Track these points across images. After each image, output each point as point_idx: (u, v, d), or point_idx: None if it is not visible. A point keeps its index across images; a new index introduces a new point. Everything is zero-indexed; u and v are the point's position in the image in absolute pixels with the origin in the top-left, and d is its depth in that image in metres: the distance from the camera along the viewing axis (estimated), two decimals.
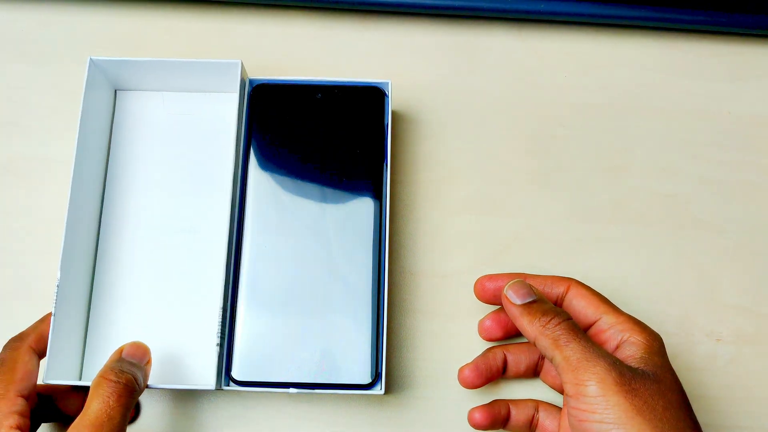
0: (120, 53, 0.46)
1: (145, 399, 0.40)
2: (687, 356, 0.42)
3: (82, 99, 0.40)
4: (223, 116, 0.44)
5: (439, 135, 0.45)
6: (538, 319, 0.34)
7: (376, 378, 0.37)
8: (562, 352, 0.32)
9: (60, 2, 0.48)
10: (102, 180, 0.43)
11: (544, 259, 0.43)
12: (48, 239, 0.42)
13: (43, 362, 0.37)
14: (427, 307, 0.42)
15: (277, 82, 0.42)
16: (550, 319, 0.34)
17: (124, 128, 0.44)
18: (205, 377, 0.39)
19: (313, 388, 0.37)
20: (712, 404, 0.41)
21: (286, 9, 0.48)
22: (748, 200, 0.44)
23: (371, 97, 0.42)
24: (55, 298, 0.37)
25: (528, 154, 0.45)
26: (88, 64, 0.41)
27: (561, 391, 0.38)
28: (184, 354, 0.40)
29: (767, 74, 0.47)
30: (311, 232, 0.39)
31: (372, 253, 0.39)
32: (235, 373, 0.37)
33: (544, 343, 0.33)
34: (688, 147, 0.45)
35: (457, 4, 0.46)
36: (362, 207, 0.40)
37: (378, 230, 0.39)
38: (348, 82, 0.42)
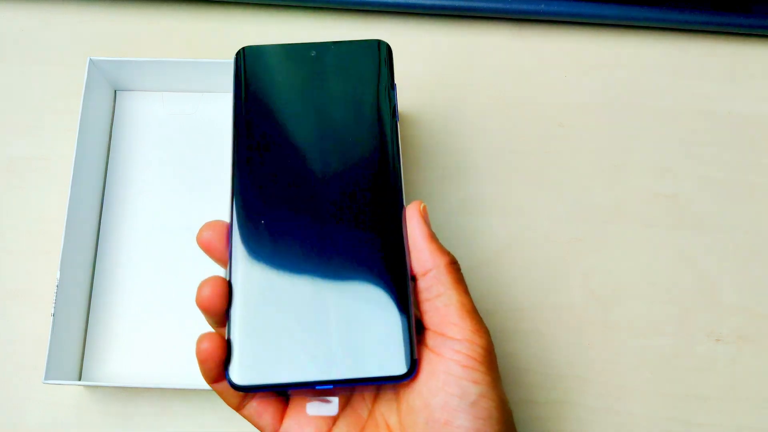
0: (120, 53, 0.46)
1: (144, 399, 0.40)
2: (687, 356, 0.42)
3: (81, 99, 0.40)
4: (223, 116, 0.44)
5: (439, 135, 0.45)
6: (446, 252, 0.30)
7: (412, 367, 0.29)
8: (461, 296, 0.29)
9: (60, 2, 0.48)
10: (102, 180, 0.43)
11: (544, 259, 0.43)
12: (48, 239, 0.42)
13: (42, 363, 0.37)
14: None
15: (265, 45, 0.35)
16: (454, 259, 0.31)
17: (123, 128, 0.44)
18: None
19: (336, 386, 0.29)
20: (712, 404, 0.41)
21: (286, 9, 0.48)
22: (748, 200, 0.44)
23: (373, 52, 0.35)
24: (54, 298, 0.37)
25: (528, 154, 0.45)
26: (87, 65, 0.41)
27: None
28: (183, 354, 0.40)
29: (767, 74, 0.47)
30: (315, 198, 0.32)
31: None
32: (236, 377, 0.29)
33: (444, 279, 0.29)
34: (688, 147, 0.45)
35: (457, 4, 0.46)
36: (374, 174, 0.33)
37: (392, 197, 0.32)
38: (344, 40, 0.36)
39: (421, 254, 0.30)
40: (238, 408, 0.31)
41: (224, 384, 0.29)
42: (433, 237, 0.30)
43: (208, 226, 0.30)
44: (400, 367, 0.29)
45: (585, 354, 0.41)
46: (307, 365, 0.29)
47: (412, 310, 0.30)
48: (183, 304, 0.41)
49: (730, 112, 0.46)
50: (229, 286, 0.30)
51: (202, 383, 0.39)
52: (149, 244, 0.42)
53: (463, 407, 0.27)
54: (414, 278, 0.30)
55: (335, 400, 0.30)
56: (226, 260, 0.30)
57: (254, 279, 0.30)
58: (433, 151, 0.45)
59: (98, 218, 0.42)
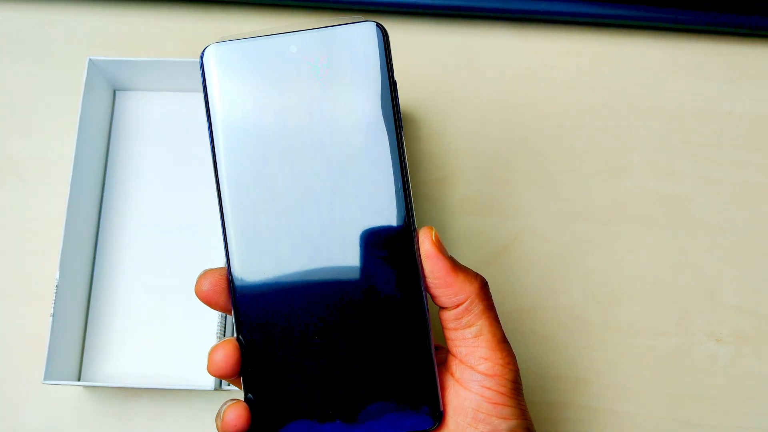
0: (119, 53, 0.46)
1: (143, 400, 0.40)
2: (687, 356, 0.41)
3: (81, 99, 0.40)
4: None
5: (439, 135, 0.45)
6: (474, 277, 0.29)
7: (439, 418, 0.28)
8: (492, 326, 0.28)
9: (59, 2, 0.48)
10: (101, 180, 0.43)
11: (544, 259, 0.43)
12: (47, 239, 0.42)
13: (42, 363, 0.36)
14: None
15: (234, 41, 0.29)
16: (484, 282, 0.29)
17: (123, 128, 0.44)
18: (204, 378, 0.39)
19: None
20: (712, 404, 0.41)
21: (286, 9, 0.48)
22: (748, 200, 0.44)
23: (367, 41, 0.29)
24: (54, 298, 0.37)
25: (528, 154, 0.45)
26: (87, 65, 0.41)
27: None
28: (183, 354, 0.40)
29: (767, 74, 0.47)
30: (319, 237, 0.29)
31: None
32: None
33: (475, 308, 0.28)
34: (688, 147, 0.45)
35: (457, 4, 0.46)
36: (377, 178, 0.29)
37: (403, 225, 0.29)
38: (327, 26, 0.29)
39: (449, 289, 0.28)
40: None
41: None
42: (456, 266, 0.28)
43: (206, 276, 0.29)
44: (426, 421, 0.28)
45: (585, 355, 0.41)
46: (328, 426, 0.28)
47: (433, 352, 0.28)
48: (183, 305, 0.41)
49: (730, 112, 0.46)
50: (239, 343, 0.28)
51: (202, 384, 0.39)
52: (149, 245, 0.42)
53: None
54: (439, 307, 0.29)
55: None
56: (230, 309, 0.29)
57: (263, 335, 0.28)
58: (432, 152, 0.45)
59: (97, 218, 0.42)
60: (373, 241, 0.28)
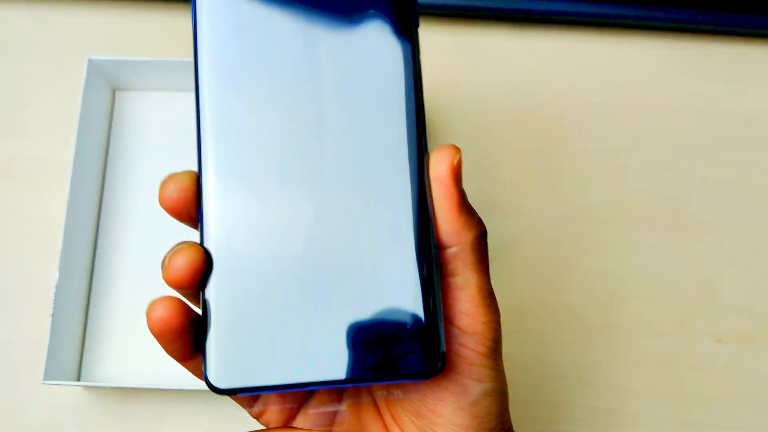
0: (119, 53, 0.46)
1: (143, 400, 0.40)
2: (687, 357, 0.41)
3: (80, 99, 0.40)
4: None
5: (439, 135, 0.45)
6: (475, 224, 0.25)
7: (442, 363, 0.23)
8: (480, 279, 0.25)
9: (59, 2, 0.48)
10: (101, 180, 0.43)
11: (545, 259, 0.43)
12: (47, 239, 0.42)
13: (41, 363, 0.36)
14: None
15: None
16: (483, 230, 0.25)
17: (123, 128, 0.44)
18: None
19: (343, 385, 0.23)
20: (713, 405, 0.41)
21: None
22: (749, 200, 0.44)
23: None
24: (54, 298, 0.37)
25: (528, 154, 0.45)
26: (86, 65, 0.41)
27: None
28: None
29: (767, 74, 0.47)
30: (309, 141, 0.24)
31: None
32: (215, 377, 0.23)
33: (466, 257, 0.24)
34: (688, 147, 0.45)
35: (457, 4, 0.46)
36: (386, 104, 0.25)
37: (413, 139, 0.24)
38: None
39: (446, 226, 0.24)
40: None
41: (195, 362, 0.24)
42: (464, 205, 0.24)
43: (172, 179, 0.24)
44: (425, 363, 0.23)
45: (585, 354, 0.41)
46: (307, 361, 0.23)
47: (439, 288, 0.24)
48: None
49: (730, 112, 0.46)
50: (206, 256, 0.23)
51: (201, 384, 0.39)
52: (148, 245, 0.42)
53: (462, 405, 0.24)
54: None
55: (344, 409, 0.26)
56: (196, 222, 0.25)
57: (235, 249, 0.23)
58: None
59: (97, 219, 0.42)
60: (373, 146, 0.24)
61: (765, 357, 0.42)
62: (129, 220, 0.42)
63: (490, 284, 0.25)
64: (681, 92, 0.47)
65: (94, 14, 0.48)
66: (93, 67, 0.41)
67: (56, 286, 0.37)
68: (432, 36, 0.47)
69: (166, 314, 0.23)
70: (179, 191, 0.24)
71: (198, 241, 0.24)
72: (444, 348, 0.23)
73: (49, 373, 0.36)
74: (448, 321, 0.24)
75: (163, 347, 0.24)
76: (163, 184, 0.24)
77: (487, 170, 0.45)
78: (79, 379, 0.40)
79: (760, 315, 0.42)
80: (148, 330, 0.40)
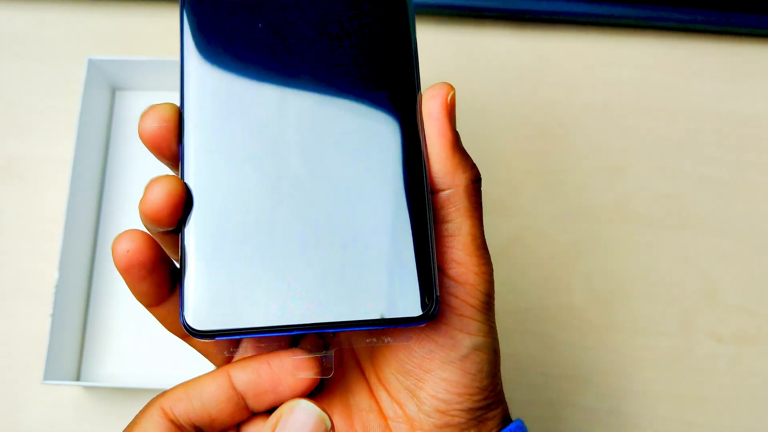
0: (119, 53, 0.46)
1: (142, 400, 0.40)
2: (687, 357, 0.41)
3: (80, 99, 0.40)
4: None
5: None
6: (470, 167, 0.24)
7: (434, 307, 0.22)
8: (473, 227, 0.23)
9: (59, 2, 0.48)
10: (100, 180, 0.43)
11: (545, 260, 0.43)
12: (46, 239, 0.42)
13: (41, 363, 0.36)
14: None
15: None
16: (477, 175, 0.24)
17: (122, 128, 0.44)
18: None
19: (330, 330, 0.22)
20: (713, 405, 0.41)
21: None
22: (749, 200, 0.44)
23: None
24: (53, 298, 0.37)
25: (528, 154, 0.45)
26: (86, 64, 0.41)
27: None
28: (182, 354, 0.40)
29: (767, 74, 0.47)
30: (295, 79, 0.23)
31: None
32: (192, 319, 0.21)
33: (459, 202, 0.23)
34: (688, 147, 0.45)
35: (457, 4, 0.46)
36: (375, 37, 0.24)
37: (403, 74, 0.24)
38: None
39: (439, 167, 0.23)
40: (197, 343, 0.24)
41: (168, 309, 0.23)
42: (458, 145, 0.23)
43: (153, 110, 0.22)
44: (417, 308, 0.21)
45: (585, 354, 0.41)
46: (292, 304, 0.21)
47: (432, 230, 0.22)
48: None
49: (730, 112, 0.46)
50: (186, 191, 0.22)
51: None
52: None
53: (451, 359, 0.23)
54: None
55: (330, 355, 0.24)
56: (177, 160, 0.23)
57: (217, 186, 0.22)
58: None
59: (97, 218, 0.42)
60: (362, 78, 0.23)
61: (765, 357, 0.42)
62: (129, 219, 0.42)
63: (483, 234, 0.24)
64: (681, 92, 0.47)
65: (94, 14, 0.48)
66: (93, 66, 0.41)
67: (56, 286, 0.37)
68: (432, 36, 0.47)
69: (133, 246, 0.21)
70: (160, 122, 0.22)
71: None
72: (438, 293, 0.22)
73: (49, 373, 0.36)
74: (440, 271, 0.23)
75: (130, 288, 0.23)
76: (143, 116, 0.22)
77: (487, 170, 0.45)
78: (78, 379, 0.40)
79: (760, 315, 0.42)
80: (148, 330, 0.40)
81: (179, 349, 0.40)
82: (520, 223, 0.43)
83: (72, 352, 0.39)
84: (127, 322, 0.41)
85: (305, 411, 0.21)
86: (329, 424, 0.21)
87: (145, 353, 0.40)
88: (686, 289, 0.43)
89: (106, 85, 0.44)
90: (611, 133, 0.46)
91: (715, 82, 0.47)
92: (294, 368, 0.23)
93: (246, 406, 0.23)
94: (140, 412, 0.23)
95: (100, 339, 0.40)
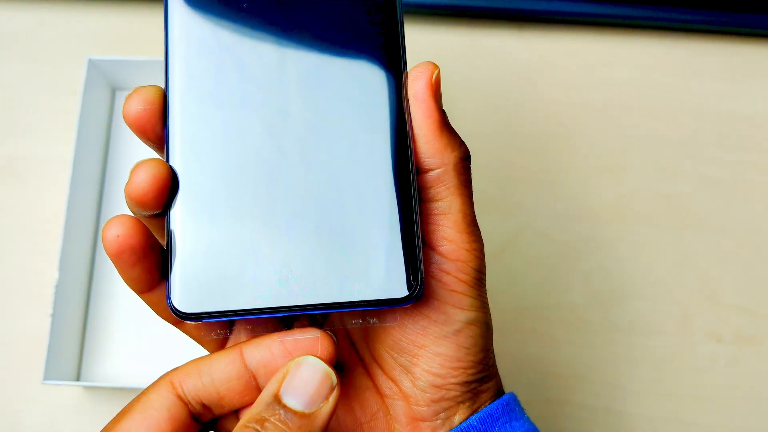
0: (119, 53, 0.46)
1: None
2: (687, 356, 0.41)
3: (80, 99, 0.40)
4: None
5: None
6: (458, 144, 0.24)
7: (419, 288, 0.22)
8: (463, 204, 0.24)
9: (59, 2, 0.48)
10: (100, 180, 0.43)
11: (544, 259, 0.43)
12: (46, 239, 0.42)
13: (41, 363, 0.36)
14: None
15: None
16: (466, 152, 0.24)
17: (122, 128, 0.44)
18: None
19: (316, 312, 0.22)
20: (713, 404, 0.41)
21: None
22: (749, 200, 0.44)
23: None
24: (53, 298, 0.37)
25: (528, 154, 0.45)
26: (86, 64, 0.41)
27: None
28: (182, 354, 0.40)
29: (767, 74, 0.47)
30: (282, 58, 0.23)
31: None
32: (179, 301, 0.21)
33: (449, 180, 0.23)
34: (688, 147, 0.45)
35: (457, 4, 0.46)
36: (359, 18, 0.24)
37: (389, 51, 0.23)
38: None
39: (427, 147, 0.23)
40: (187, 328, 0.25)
41: (159, 295, 0.23)
42: (445, 124, 0.23)
43: (138, 93, 0.22)
44: (402, 289, 0.22)
45: (585, 353, 0.41)
46: (279, 286, 0.21)
47: (419, 211, 0.23)
48: None
49: (730, 112, 0.46)
50: (172, 174, 0.22)
51: None
52: None
53: (444, 334, 0.23)
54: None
55: (318, 335, 0.23)
56: (161, 143, 0.23)
57: (203, 169, 0.22)
58: None
59: (97, 218, 0.42)
60: (351, 71, 0.23)
61: (765, 357, 0.42)
62: None
63: (473, 211, 0.24)
64: (681, 92, 0.47)
65: (94, 14, 0.48)
66: (93, 66, 0.41)
67: (56, 285, 0.37)
68: (432, 36, 0.47)
69: (123, 231, 0.21)
70: (145, 105, 0.22)
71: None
72: (423, 274, 0.22)
73: (49, 373, 0.36)
74: (430, 247, 0.23)
75: (121, 274, 0.23)
76: (128, 98, 0.22)
77: (486, 169, 0.45)
78: (78, 379, 0.40)
79: (760, 315, 0.42)
80: (148, 330, 0.40)
81: (179, 349, 0.40)
82: (520, 223, 0.43)
83: (72, 352, 0.39)
84: (127, 322, 0.41)
85: (312, 366, 0.21)
86: (335, 381, 0.21)
87: (145, 353, 0.40)
88: (686, 288, 0.43)
89: (106, 85, 0.44)
90: (611, 133, 0.46)
91: (715, 82, 0.47)
92: (310, 345, 0.23)
93: (256, 387, 0.23)
94: (151, 384, 0.23)
95: (100, 339, 0.40)
